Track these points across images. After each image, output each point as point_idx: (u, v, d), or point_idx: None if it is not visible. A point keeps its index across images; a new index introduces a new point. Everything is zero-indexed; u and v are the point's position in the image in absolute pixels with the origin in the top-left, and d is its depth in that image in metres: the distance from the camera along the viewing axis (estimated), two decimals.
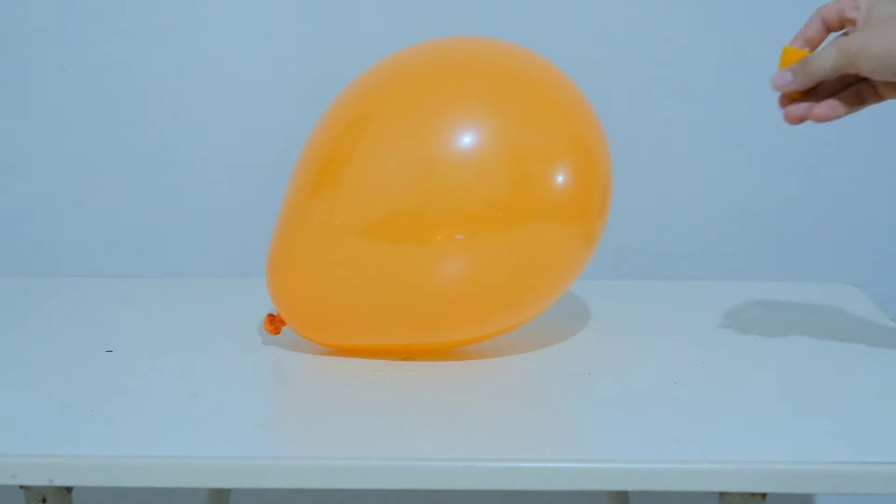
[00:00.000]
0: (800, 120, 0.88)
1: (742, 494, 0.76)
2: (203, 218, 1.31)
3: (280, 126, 1.27)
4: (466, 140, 0.87)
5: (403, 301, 0.89)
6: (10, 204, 1.31)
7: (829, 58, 0.86)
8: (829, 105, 0.88)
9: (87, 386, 0.88)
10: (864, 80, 0.88)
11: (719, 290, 1.14)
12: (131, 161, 1.29)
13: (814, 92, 0.89)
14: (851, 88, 0.88)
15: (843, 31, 0.87)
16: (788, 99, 0.89)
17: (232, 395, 0.87)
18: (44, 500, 0.79)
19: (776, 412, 0.84)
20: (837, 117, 0.88)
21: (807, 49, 0.88)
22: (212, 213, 1.30)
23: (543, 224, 0.88)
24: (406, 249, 0.87)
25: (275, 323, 0.95)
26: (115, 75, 1.27)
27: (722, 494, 0.77)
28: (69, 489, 0.79)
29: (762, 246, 1.31)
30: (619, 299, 1.11)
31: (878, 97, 0.88)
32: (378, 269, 0.88)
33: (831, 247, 1.30)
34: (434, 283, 0.88)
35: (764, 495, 0.76)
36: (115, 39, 1.27)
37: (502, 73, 0.91)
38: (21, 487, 0.78)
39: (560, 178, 0.89)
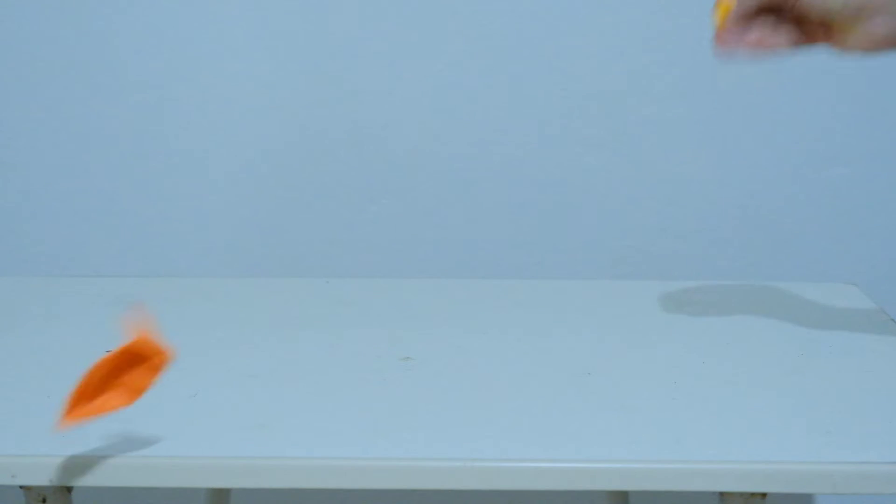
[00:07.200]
0: (732, 45, 0.87)
1: (742, 494, 0.76)
2: (203, 218, 1.31)
3: (280, 127, 1.27)
4: None
5: None
6: (10, 204, 1.31)
7: None
8: (760, 33, 0.87)
9: None
10: (798, 22, 0.87)
11: (719, 290, 1.14)
12: (131, 161, 1.29)
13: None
14: (783, 27, 0.87)
15: None
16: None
17: (232, 395, 0.87)
18: (44, 500, 0.79)
19: (776, 412, 0.84)
20: (769, 48, 0.87)
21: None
22: (212, 213, 1.30)
23: None
24: None
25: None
26: (116, 75, 1.27)
27: (722, 494, 0.77)
28: (69, 489, 0.79)
29: (762, 246, 1.30)
30: (619, 299, 1.11)
31: (811, 39, 0.87)
32: None
33: (831, 247, 1.30)
34: None
35: (764, 495, 0.76)
36: (115, 40, 1.27)
37: None
38: (21, 487, 0.78)
39: None
